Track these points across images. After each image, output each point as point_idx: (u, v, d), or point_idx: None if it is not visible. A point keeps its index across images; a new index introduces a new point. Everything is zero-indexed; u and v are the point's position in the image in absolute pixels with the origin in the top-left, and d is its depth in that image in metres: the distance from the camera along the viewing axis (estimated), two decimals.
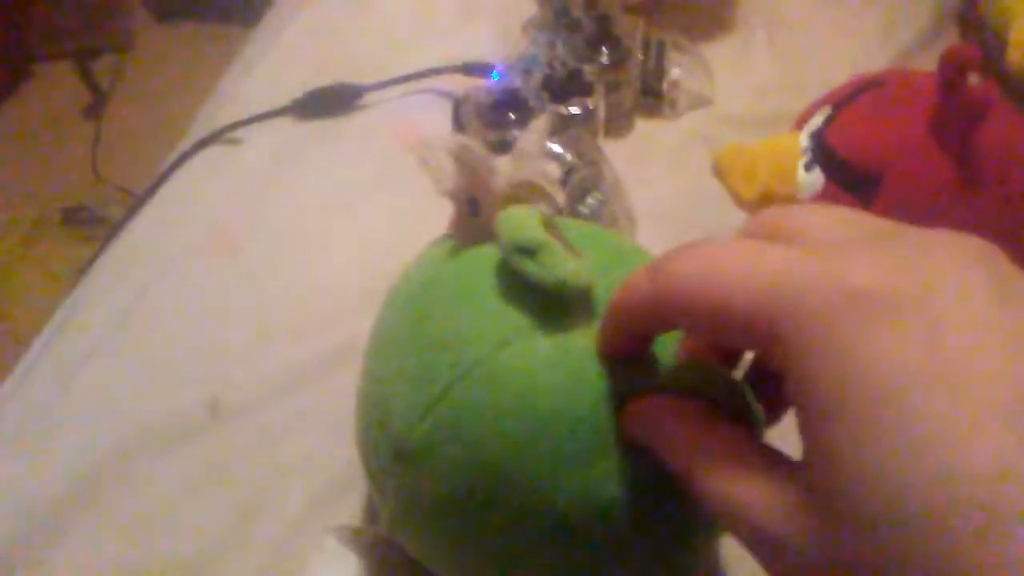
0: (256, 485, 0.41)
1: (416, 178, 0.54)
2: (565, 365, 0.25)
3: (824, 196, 0.43)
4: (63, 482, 0.41)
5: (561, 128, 0.51)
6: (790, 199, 0.45)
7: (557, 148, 0.49)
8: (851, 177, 0.42)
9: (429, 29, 0.65)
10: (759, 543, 0.19)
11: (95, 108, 1.61)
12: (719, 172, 0.46)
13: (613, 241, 0.31)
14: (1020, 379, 0.16)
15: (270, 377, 0.45)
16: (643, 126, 0.58)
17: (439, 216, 0.52)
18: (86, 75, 1.68)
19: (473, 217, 0.29)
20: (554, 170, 0.27)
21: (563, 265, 0.25)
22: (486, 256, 0.28)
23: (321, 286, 0.49)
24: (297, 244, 0.52)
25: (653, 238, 0.51)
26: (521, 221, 0.26)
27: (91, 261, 0.55)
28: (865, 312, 0.17)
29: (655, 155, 0.56)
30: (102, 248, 0.55)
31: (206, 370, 0.45)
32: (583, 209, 0.49)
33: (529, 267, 0.25)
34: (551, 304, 0.26)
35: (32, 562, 0.39)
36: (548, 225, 0.26)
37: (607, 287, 0.27)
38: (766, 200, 0.45)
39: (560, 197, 0.28)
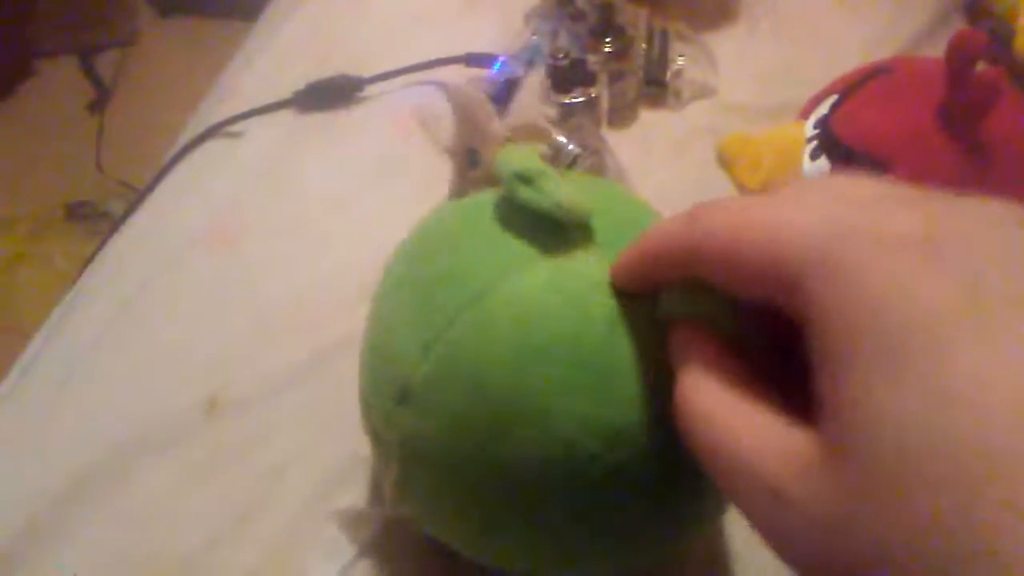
0: (254, 481, 0.41)
1: (417, 170, 0.54)
2: (564, 290, 0.25)
3: None
4: (61, 479, 0.41)
5: (564, 118, 0.50)
6: None
7: (561, 138, 0.49)
8: (857, 165, 0.41)
9: (431, 20, 0.64)
10: (760, 500, 0.18)
11: (99, 103, 1.61)
12: (723, 161, 0.46)
13: (610, 185, 0.31)
14: None
15: (268, 373, 0.45)
16: (647, 116, 0.57)
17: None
18: (89, 71, 1.68)
19: (472, 168, 0.29)
20: (550, 110, 0.27)
21: (560, 190, 0.25)
22: (485, 199, 0.29)
23: (321, 279, 0.49)
24: (297, 237, 0.51)
25: None
26: (519, 153, 0.26)
27: (92, 256, 0.55)
28: (903, 258, 0.16)
29: (659, 145, 0.55)
30: (102, 243, 0.55)
31: (204, 366, 0.45)
32: None
33: (527, 193, 0.25)
34: (551, 233, 0.26)
35: (30, 560, 0.39)
36: (546, 160, 0.26)
37: (608, 220, 0.27)
38: (771, 189, 0.45)
39: (560, 136, 0.28)
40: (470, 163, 0.29)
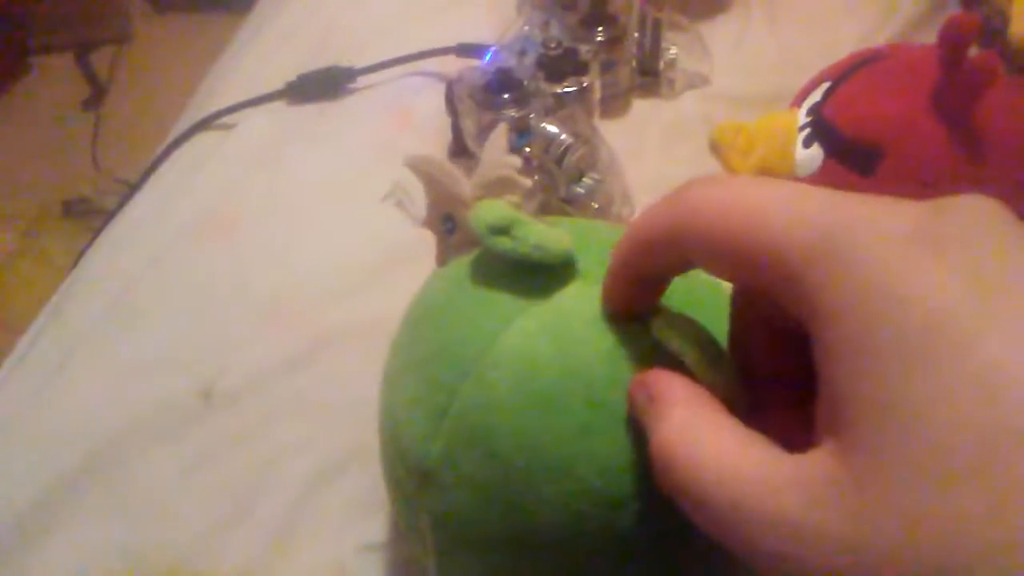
0: (250, 471, 0.41)
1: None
2: (557, 334, 0.24)
3: (823, 172, 0.42)
4: (56, 469, 0.41)
5: (556, 108, 0.50)
6: (788, 176, 0.44)
7: (553, 128, 0.48)
8: (850, 152, 0.41)
9: (422, 10, 0.64)
10: (773, 539, 0.16)
11: (94, 100, 1.61)
12: (716, 149, 0.45)
13: (587, 220, 0.31)
14: None
15: (262, 363, 0.44)
16: (640, 105, 0.57)
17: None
18: (85, 67, 1.68)
19: (451, 235, 0.28)
20: (517, 161, 0.26)
21: (536, 233, 0.25)
22: (465, 261, 0.28)
23: (314, 269, 0.49)
24: (290, 228, 0.51)
25: None
26: (489, 207, 0.26)
27: (85, 248, 0.55)
28: (913, 251, 0.16)
29: (652, 134, 0.55)
30: (95, 235, 0.55)
31: (199, 357, 0.45)
32: (579, 189, 0.49)
33: (503, 243, 0.25)
34: (536, 278, 0.26)
35: (25, 550, 0.39)
36: (518, 208, 0.26)
37: (593, 254, 0.26)
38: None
39: (529, 182, 0.27)
40: (447, 230, 0.28)
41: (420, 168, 0.27)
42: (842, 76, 0.44)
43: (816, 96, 0.44)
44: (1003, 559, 0.14)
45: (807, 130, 0.44)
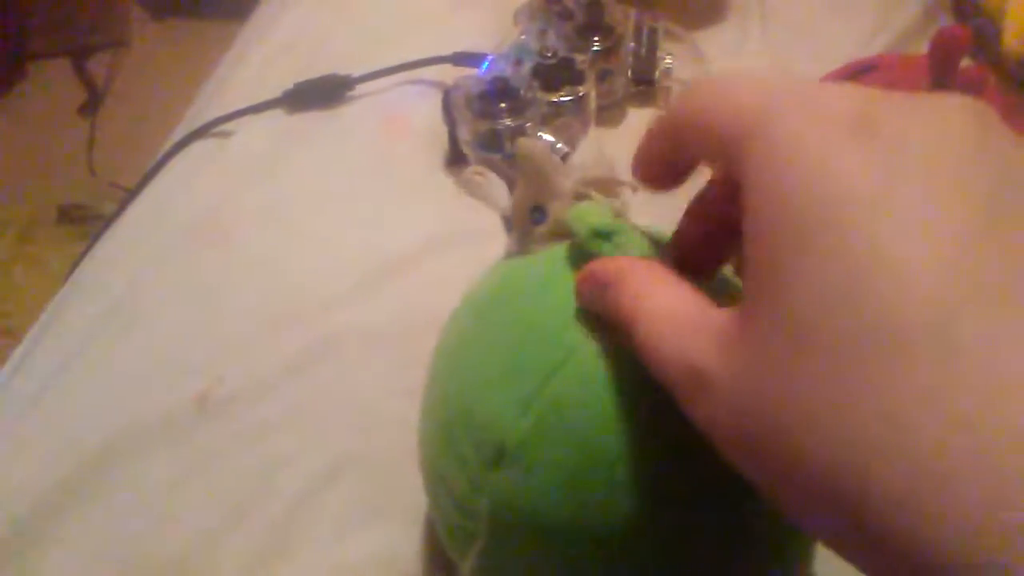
0: (246, 478, 0.41)
1: (407, 168, 0.54)
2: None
3: None
4: (53, 475, 0.41)
5: (552, 117, 0.50)
6: None
7: (549, 137, 0.49)
8: None
9: (419, 19, 0.64)
10: (688, 384, 0.18)
11: (91, 106, 1.61)
12: None
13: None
14: (971, 226, 0.15)
15: (260, 370, 0.44)
16: (636, 115, 0.57)
17: (429, 208, 0.52)
18: (82, 73, 1.68)
19: (537, 225, 0.28)
20: (621, 169, 0.27)
21: (640, 246, 0.25)
22: (558, 254, 0.28)
23: (311, 277, 0.49)
24: (288, 236, 0.51)
25: None
26: (595, 210, 0.26)
27: (83, 254, 0.55)
28: (832, 131, 0.16)
29: None
30: (93, 241, 0.55)
31: (195, 363, 0.45)
32: None
33: (606, 248, 0.25)
34: None
35: (23, 555, 0.39)
36: (620, 215, 0.26)
37: None
38: None
39: (630, 190, 0.27)
40: (535, 220, 0.28)
41: (530, 155, 0.27)
42: None
43: None
44: (849, 417, 0.15)
45: None
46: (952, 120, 0.17)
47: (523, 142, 0.27)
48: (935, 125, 0.16)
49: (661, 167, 0.23)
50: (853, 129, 0.16)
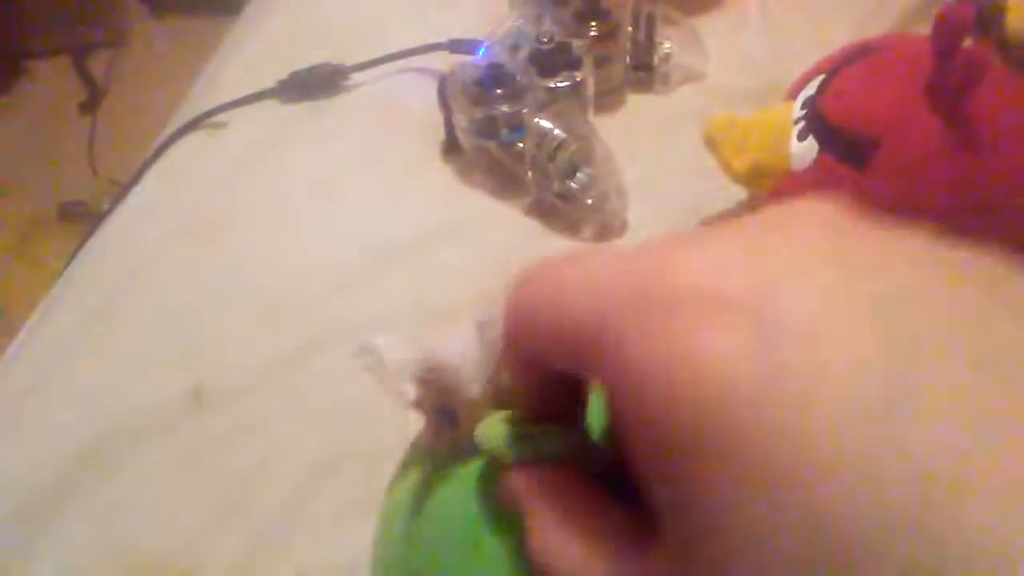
0: (240, 471, 0.40)
1: (402, 158, 0.54)
2: None
3: (817, 167, 0.42)
4: (45, 470, 0.41)
5: (550, 103, 0.50)
6: (782, 170, 0.43)
7: (546, 123, 0.48)
8: (844, 144, 0.41)
9: (414, 7, 0.64)
10: None
11: (91, 103, 1.61)
12: (710, 144, 0.45)
13: None
14: (886, 372, 0.13)
15: (253, 363, 0.44)
16: (634, 100, 0.57)
17: (424, 199, 0.51)
18: (82, 70, 1.67)
19: (449, 431, 0.25)
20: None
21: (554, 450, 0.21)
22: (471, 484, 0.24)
23: (306, 268, 0.48)
24: (281, 227, 0.51)
25: (644, 213, 0.50)
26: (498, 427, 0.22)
27: (78, 248, 0.54)
28: (688, 315, 0.14)
29: (646, 130, 0.55)
30: (88, 234, 0.55)
31: (189, 357, 0.45)
32: (573, 184, 0.48)
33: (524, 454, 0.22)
34: None
35: (15, 550, 0.39)
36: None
37: None
38: (757, 172, 0.44)
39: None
40: (447, 426, 0.25)
41: (422, 376, 0.24)
42: (837, 69, 0.44)
43: (811, 89, 0.44)
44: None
45: (802, 123, 0.43)
46: (809, 260, 0.14)
47: (417, 357, 0.24)
48: (793, 273, 0.14)
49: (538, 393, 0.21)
50: (709, 307, 0.14)
